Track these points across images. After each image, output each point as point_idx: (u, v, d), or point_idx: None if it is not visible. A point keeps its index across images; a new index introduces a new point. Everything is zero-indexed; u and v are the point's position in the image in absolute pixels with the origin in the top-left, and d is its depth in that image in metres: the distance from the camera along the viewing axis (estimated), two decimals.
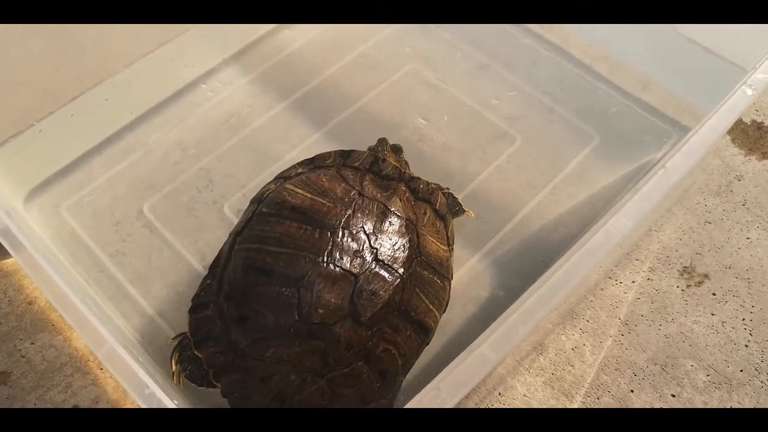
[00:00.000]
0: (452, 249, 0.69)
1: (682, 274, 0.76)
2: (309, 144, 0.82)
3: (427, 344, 0.63)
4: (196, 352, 0.60)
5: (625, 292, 0.75)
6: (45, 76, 0.75)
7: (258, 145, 0.83)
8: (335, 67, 0.90)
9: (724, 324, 0.73)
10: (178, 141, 0.83)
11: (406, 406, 0.47)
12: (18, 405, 0.69)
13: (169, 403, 0.46)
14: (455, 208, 0.72)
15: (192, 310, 0.62)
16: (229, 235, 0.65)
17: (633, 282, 0.75)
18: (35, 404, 0.69)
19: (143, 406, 0.47)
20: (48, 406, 0.69)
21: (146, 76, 0.84)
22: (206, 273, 0.64)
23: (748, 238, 0.78)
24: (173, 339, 0.65)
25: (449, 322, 0.69)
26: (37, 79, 0.75)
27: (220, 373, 0.58)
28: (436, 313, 0.63)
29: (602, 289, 0.75)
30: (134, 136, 0.84)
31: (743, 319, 0.73)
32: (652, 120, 0.84)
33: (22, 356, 0.72)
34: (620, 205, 0.54)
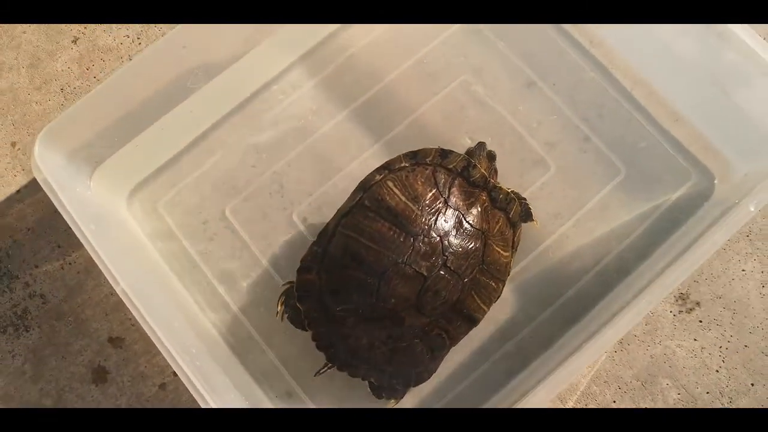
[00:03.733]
0: (515, 251, 0.83)
1: (677, 300, 0.89)
2: (367, 156, 0.91)
3: (474, 327, 0.81)
4: (297, 304, 0.81)
5: None
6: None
7: (323, 153, 0.92)
8: (395, 73, 0.95)
9: (702, 350, 0.87)
10: (254, 144, 0.92)
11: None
12: (131, 367, 0.89)
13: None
14: (526, 216, 0.84)
15: (299, 270, 0.81)
16: (336, 212, 0.81)
17: None
18: (145, 367, 0.89)
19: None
20: (155, 369, 0.88)
21: (229, 76, 0.89)
22: (313, 240, 0.82)
23: (743, 270, 0.89)
24: (284, 284, 0.85)
25: (473, 336, 0.84)
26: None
27: (312, 324, 0.80)
28: (486, 308, 0.81)
29: None
30: (216, 136, 0.92)
31: (720, 347, 0.87)
32: (675, 158, 0.89)
33: (132, 324, 0.90)
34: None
